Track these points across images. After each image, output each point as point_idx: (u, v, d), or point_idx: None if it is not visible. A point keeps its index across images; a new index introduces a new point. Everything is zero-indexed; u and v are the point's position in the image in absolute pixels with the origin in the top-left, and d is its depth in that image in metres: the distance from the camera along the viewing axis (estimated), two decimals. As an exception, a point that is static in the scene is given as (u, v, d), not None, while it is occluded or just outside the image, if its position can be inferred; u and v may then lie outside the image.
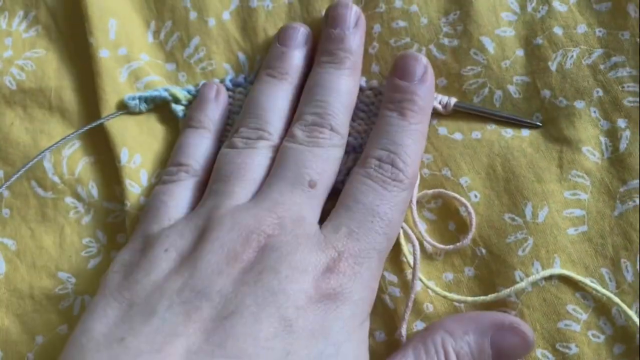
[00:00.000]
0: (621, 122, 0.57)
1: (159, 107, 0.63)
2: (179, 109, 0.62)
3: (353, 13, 0.60)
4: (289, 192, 0.51)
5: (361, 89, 0.60)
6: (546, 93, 0.59)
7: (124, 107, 0.62)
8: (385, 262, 0.56)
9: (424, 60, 0.57)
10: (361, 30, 0.61)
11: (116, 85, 0.63)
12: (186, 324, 0.43)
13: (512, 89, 0.59)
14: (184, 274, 0.46)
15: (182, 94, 0.62)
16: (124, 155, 0.60)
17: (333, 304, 0.46)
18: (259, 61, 0.63)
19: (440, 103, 0.59)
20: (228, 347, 0.42)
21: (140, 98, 0.62)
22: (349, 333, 0.47)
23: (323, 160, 0.54)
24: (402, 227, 0.56)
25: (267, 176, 0.54)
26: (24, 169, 0.61)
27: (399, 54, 0.58)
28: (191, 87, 0.63)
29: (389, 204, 0.51)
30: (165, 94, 0.62)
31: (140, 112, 0.62)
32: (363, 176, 0.52)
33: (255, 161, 0.54)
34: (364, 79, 0.61)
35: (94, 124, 0.61)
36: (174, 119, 0.63)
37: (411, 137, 0.54)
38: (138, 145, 0.61)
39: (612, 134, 0.57)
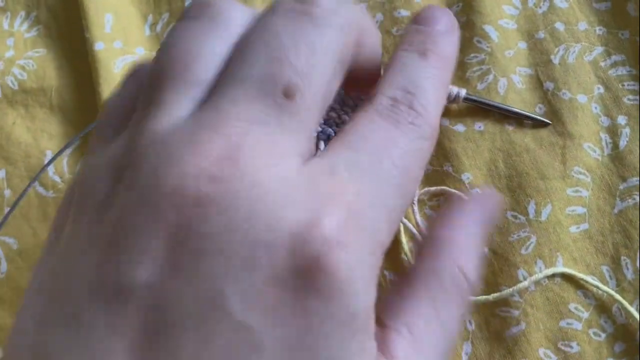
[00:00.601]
0: (621, 119, 0.57)
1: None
2: None
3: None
4: (251, 101, 0.31)
5: None
6: (549, 85, 0.59)
7: None
8: (386, 261, 0.55)
9: (451, 14, 0.44)
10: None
11: (110, 76, 0.61)
12: (115, 339, 0.28)
13: (516, 78, 0.59)
14: (95, 256, 0.30)
15: None
16: None
17: (316, 293, 0.28)
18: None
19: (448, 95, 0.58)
20: None
21: None
22: (345, 344, 0.29)
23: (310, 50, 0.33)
24: (402, 223, 0.56)
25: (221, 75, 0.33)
26: (32, 182, 0.60)
27: (424, 6, 0.45)
28: None
29: (405, 147, 0.35)
30: None
31: None
32: (371, 114, 0.36)
33: (207, 48, 0.33)
34: None
35: (86, 130, 0.60)
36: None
37: (432, 82, 0.39)
38: None
39: (613, 131, 0.57)
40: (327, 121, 0.60)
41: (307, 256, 0.28)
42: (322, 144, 0.59)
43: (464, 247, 0.37)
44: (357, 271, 0.29)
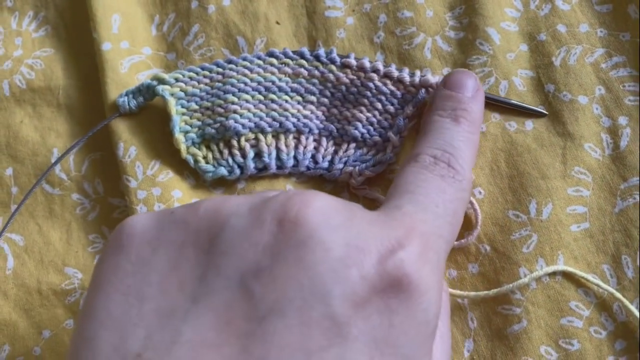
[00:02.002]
0: (622, 120, 0.57)
1: (152, 99, 0.61)
2: (164, 89, 0.59)
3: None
4: None
5: (364, 71, 0.58)
6: (550, 87, 0.58)
7: (117, 108, 0.60)
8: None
9: (475, 77, 0.54)
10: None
11: (117, 76, 0.61)
12: (218, 328, 0.31)
13: (517, 80, 0.59)
14: (203, 250, 0.34)
15: (167, 75, 0.60)
16: (119, 149, 0.59)
17: (402, 296, 0.33)
18: (259, 44, 0.62)
19: None
20: None
21: (127, 93, 0.60)
22: (420, 344, 0.34)
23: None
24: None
25: None
26: (38, 183, 0.60)
27: (451, 71, 0.54)
28: (184, 71, 0.60)
29: (451, 195, 0.43)
30: (148, 81, 0.60)
31: (132, 112, 0.60)
32: (418, 168, 0.44)
33: None
34: (367, 59, 0.59)
35: (93, 130, 0.59)
36: (164, 107, 0.60)
37: (465, 143, 0.48)
38: (132, 137, 0.59)
39: (613, 132, 0.57)
40: (328, 118, 0.60)
41: (393, 265, 0.33)
42: (324, 140, 0.59)
43: None
44: (432, 283, 0.35)
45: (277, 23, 0.62)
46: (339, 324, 0.31)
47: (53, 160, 0.61)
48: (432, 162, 0.45)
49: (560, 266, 0.53)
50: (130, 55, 0.62)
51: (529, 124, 0.57)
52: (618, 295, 0.52)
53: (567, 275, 0.54)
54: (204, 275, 0.33)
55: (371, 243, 0.33)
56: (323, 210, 0.34)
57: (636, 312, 0.52)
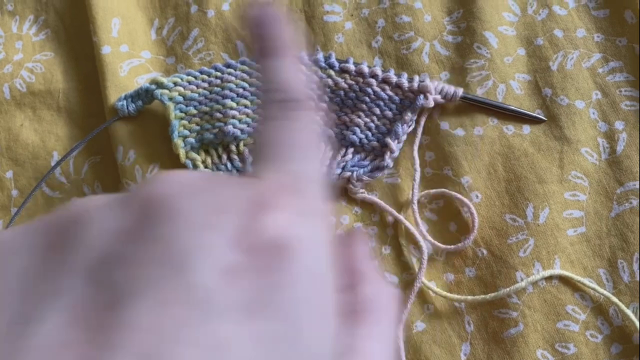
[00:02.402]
0: (619, 125, 0.57)
1: (150, 103, 0.61)
2: (162, 94, 0.59)
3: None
4: None
5: (363, 76, 0.58)
6: (547, 91, 0.58)
7: (116, 112, 0.60)
8: (386, 263, 0.56)
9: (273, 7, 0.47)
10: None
11: (117, 79, 0.61)
12: (68, 326, 0.27)
13: (514, 84, 0.59)
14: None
15: (166, 79, 0.59)
16: (119, 153, 0.59)
17: (276, 258, 0.29)
18: (257, 49, 0.62)
19: (441, 93, 0.57)
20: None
21: (126, 97, 0.60)
22: (307, 301, 0.31)
23: None
24: (405, 227, 0.56)
25: None
26: (38, 186, 0.60)
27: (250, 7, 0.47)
28: (182, 74, 0.60)
29: (306, 132, 0.37)
30: (147, 85, 0.60)
31: (131, 115, 0.60)
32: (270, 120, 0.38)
33: None
34: (366, 64, 0.59)
35: (92, 134, 0.59)
36: (164, 111, 0.60)
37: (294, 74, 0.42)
38: (131, 140, 0.59)
39: (610, 136, 0.57)
40: (326, 123, 0.60)
41: (263, 225, 0.29)
42: (322, 146, 0.59)
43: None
44: (312, 235, 0.30)
45: None
46: (206, 296, 0.28)
47: (53, 164, 0.61)
48: (277, 105, 0.37)
49: (556, 270, 0.53)
50: (130, 58, 0.62)
51: (527, 128, 0.57)
52: (614, 299, 0.52)
53: (564, 280, 0.54)
54: (56, 275, 0.28)
55: (234, 205, 0.30)
56: (182, 181, 0.31)
57: (632, 316, 0.52)
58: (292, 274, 0.29)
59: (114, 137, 0.59)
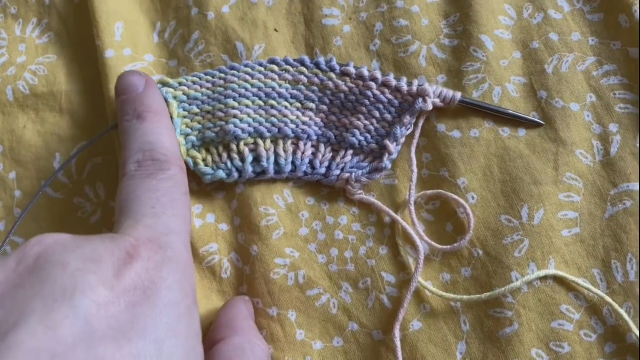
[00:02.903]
0: (613, 127, 0.57)
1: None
2: (167, 92, 0.59)
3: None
4: None
5: (363, 79, 0.59)
6: (543, 94, 0.59)
7: None
8: (383, 263, 0.56)
9: (138, 72, 0.57)
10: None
11: None
12: None
13: (510, 87, 0.59)
14: None
15: (172, 80, 0.60)
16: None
17: (143, 294, 0.38)
18: (258, 50, 0.62)
19: (440, 97, 0.58)
20: None
21: None
22: (170, 326, 0.39)
23: None
24: (402, 228, 0.56)
25: None
26: (42, 189, 0.61)
27: (118, 78, 0.56)
28: (187, 76, 0.61)
29: (164, 189, 0.48)
30: None
31: None
32: (128, 181, 0.49)
33: None
34: (366, 68, 0.59)
35: (97, 137, 0.59)
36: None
37: (159, 134, 0.53)
38: None
39: (604, 138, 0.57)
40: (327, 125, 0.60)
41: (128, 273, 0.39)
42: (322, 147, 0.60)
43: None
44: (168, 279, 0.41)
45: (276, 30, 0.63)
46: (88, 323, 0.35)
47: (56, 165, 0.61)
48: (137, 167, 0.50)
49: (551, 270, 0.54)
50: (133, 62, 0.62)
51: (522, 130, 0.58)
52: (608, 299, 0.53)
53: (558, 280, 0.54)
54: None
55: (105, 256, 0.39)
56: (57, 240, 0.39)
57: (626, 316, 0.52)
58: (154, 307, 0.38)
59: (117, 138, 0.60)
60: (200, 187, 0.59)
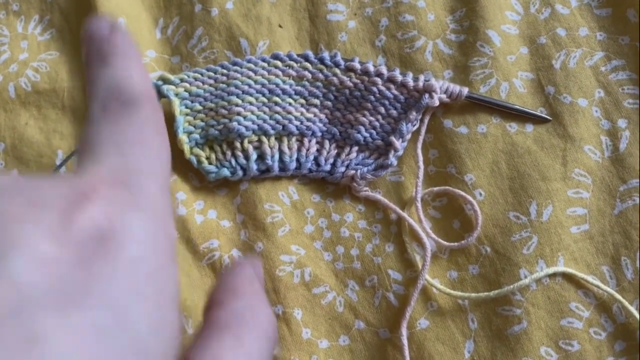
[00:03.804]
0: (621, 123, 0.56)
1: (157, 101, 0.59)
2: (169, 89, 0.58)
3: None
4: None
5: (368, 74, 0.57)
6: (550, 89, 0.58)
7: None
8: (389, 260, 0.55)
9: (107, 19, 0.46)
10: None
11: None
12: None
13: (517, 82, 0.58)
14: None
15: (172, 76, 0.59)
16: None
17: (100, 247, 0.29)
18: (262, 46, 0.61)
19: (446, 93, 0.57)
20: None
21: None
22: (135, 289, 0.30)
23: None
24: (409, 224, 0.55)
25: None
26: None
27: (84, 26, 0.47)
28: (189, 72, 0.60)
29: (133, 128, 0.37)
30: (154, 81, 0.59)
31: None
32: (92, 124, 0.37)
33: None
34: (371, 63, 0.58)
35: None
36: (167, 112, 0.59)
37: (126, 72, 0.40)
38: None
39: (613, 134, 0.56)
40: (331, 121, 0.59)
41: (82, 218, 0.29)
42: (327, 143, 0.59)
43: (251, 292, 0.40)
44: (136, 228, 0.30)
45: (280, 26, 0.62)
46: (21, 288, 0.27)
47: (58, 162, 0.60)
48: (102, 108, 0.37)
49: (560, 267, 0.53)
50: (135, 58, 0.61)
51: (530, 126, 0.57)
52: (618, 296, 0.52)
53: (567, 277, 0.53)
54: None
55: (51, 199, 0.29)
56: None
57: (636, 314, 0.51)
58: (116, 264, 0.28)
59: None
60: (202, 183, 0.58)
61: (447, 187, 0.56)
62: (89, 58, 0.44)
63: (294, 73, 0.58)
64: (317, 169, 0.57)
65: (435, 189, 0.56)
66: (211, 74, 0.59)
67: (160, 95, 0.59)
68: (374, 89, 0.57)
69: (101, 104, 0.38)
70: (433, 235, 0.55)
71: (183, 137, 0.57)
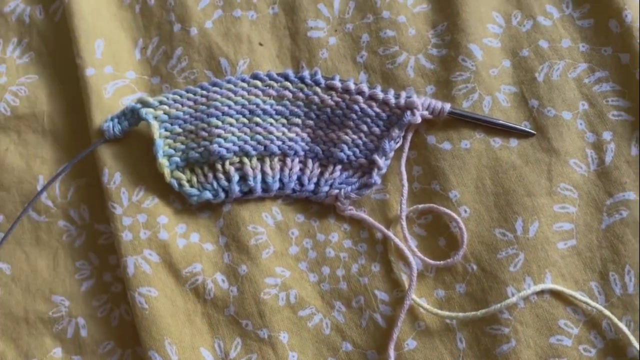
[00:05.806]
0: (606, 135, 0.55)
1: (137, 124, 0.58)
2: (147, 112, 0.56)
3: None
4: None
5: (349, 93, 0.56)
6: (534, 103, 0.56)
7: (102, 134, 0.58)
8: (376, 280, 0.54)
9: None
10: None
11: (101, 101, 0.58)
12: None
13: (500, 96, 0.56)
14: None
15: (151, 98, 0.57)
16: (104, 175, 0.56)
17: None
18: (242, 65, 0.60)
19: (429, 109, 0.55)
20: None
21: (112, 118, 0.57)
22: None
23: None
24: (394, 244, 0.54)
25: None
26: (24, 212, 0.58)
27: None
28: (168, 94, 0.58)
29: None
30: (132, 104, 0.57)
31: (117, 137, 0.58)
32: None
33: None
34: (352, 81, 0.57)
35: (78, 158, 0.57)
36: (147, 135, 0.57)
37: None
38: (117, 162, 0.57)
39: (598, 147, 0.54)
40: (314, 140, 0.58)
41: None
42: (309, 162, 0.57)
43: None
44: None
45: (260, 44, 0.60)
46: None
47: (39, 187, 0.58)
48: None
49: (548, 284, 0.51)
50: (114, 80, 0.60)
51: (514, 141, 0.55)
52: (607, 312, 0.50)
53: (555, 294, 0.51)
54: None
55: None
56: None
57: (625, 329, 0.50)
58: None
59: (100, 160, 0.57)
60: (184, 206, 0.56)
61: (432, 205, 0.54)
62: None
63: (274, 93, 0.57)
64: (300, 189, 0.56)
65: (420, 206, 0.54)
66: (190, 95, 0.57)
67: (139, 118, 0.57)
68: (356, 107, 0.56)
69: None
70: (419, 254, 0.53)
71: (163, 160, 0.56)
